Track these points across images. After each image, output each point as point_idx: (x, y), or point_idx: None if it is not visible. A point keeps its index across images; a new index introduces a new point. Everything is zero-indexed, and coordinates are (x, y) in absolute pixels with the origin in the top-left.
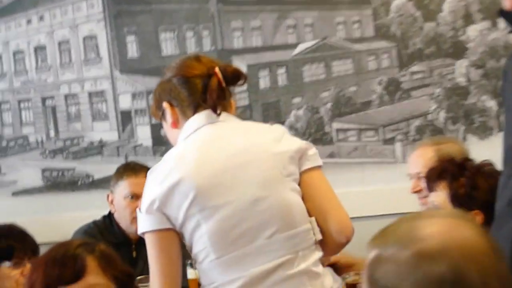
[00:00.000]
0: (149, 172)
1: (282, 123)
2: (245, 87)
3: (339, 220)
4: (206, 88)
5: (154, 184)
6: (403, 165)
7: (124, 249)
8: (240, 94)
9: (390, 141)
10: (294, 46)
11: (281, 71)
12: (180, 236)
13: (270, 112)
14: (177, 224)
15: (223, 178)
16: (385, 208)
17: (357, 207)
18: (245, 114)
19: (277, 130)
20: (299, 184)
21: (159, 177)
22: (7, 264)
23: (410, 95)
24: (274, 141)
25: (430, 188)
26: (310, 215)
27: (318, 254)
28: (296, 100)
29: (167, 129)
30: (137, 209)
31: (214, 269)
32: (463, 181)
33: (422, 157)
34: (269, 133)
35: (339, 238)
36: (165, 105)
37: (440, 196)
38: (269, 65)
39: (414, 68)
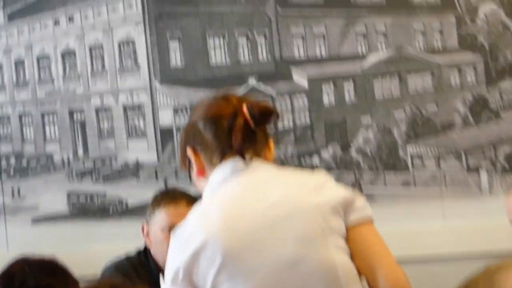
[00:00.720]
0: (171, 234)
1: (348, 145)
2: (305, 103)
3: (391, 280)
4: (232, 129)
5: (177, 251)
6: (489, 198)
7: None
8: (300, 112)
9: (474, 169)
10: (363, 57)
11: (349, 85)
12: None
13: (335, 133)
14: None
15: (254, 239)
16: (469, 247)
17: (435, 245)
18: (306, 134)
19: (318, 177)
20: (346, 241)
21: (181, 242)
22: None
23: (499, 116)
24: (314, 191)
25: None
26: (360, 275)
27: None
28: (365, 119)
29: (195, 179)
30: (161, 278)
31: None
32: None
33: None
34: (308, 181)
35: None
36: (189, 151)
37: None
38: (334, 78)
39: (504, 85)
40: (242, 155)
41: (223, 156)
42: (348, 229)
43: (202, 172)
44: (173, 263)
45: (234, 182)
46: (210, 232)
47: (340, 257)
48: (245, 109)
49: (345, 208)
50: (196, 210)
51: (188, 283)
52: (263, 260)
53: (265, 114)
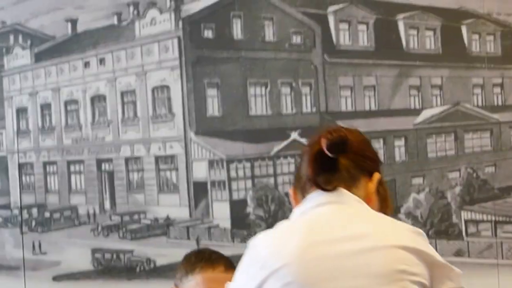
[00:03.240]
0: (250, 241)
1: (398, 209)
2: None
3: None
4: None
5: (251, 269)
6: None
7: None
8: None
9: None
10: (417, 112)
11: (399, 143)
12: None
13: None
14: None
15: (329, 266)
16: None
17: None
18: None
19: (413, 228)
20: None
21: (254, 265)
22: None
23: None
24: (402, 233)
25: None
26: None
27: None
28: (417, 180)
29: None
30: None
31: None
32: None
33: None
34: (398, 225)
35: None
36: (290, 190)
37: None
38: (383, 134)
39: None
40: (320, 187)
41: (307, 189)
42: None
43: None
44: (244, 279)
45: (316, 211)
46: (288, 253)
47: None
48: (323, 137)
49: (436, 267)
50: (281, 225)
51: None
52: None
53: (339, 143)
